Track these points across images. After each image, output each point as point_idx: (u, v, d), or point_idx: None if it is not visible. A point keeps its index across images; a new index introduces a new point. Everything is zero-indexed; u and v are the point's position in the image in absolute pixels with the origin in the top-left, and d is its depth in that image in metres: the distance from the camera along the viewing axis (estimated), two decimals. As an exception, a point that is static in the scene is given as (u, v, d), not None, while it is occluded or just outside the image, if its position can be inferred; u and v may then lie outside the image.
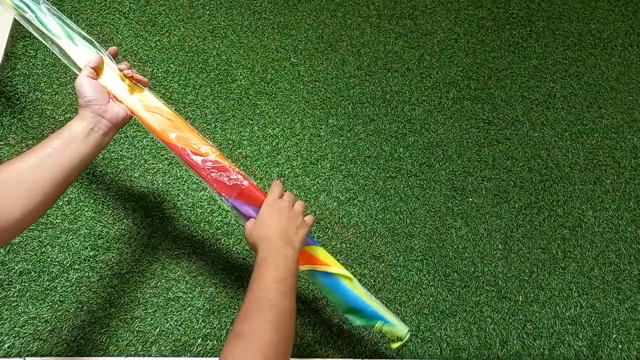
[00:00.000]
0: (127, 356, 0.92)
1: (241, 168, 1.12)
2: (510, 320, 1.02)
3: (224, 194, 0.78)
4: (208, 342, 0.94)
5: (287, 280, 0.62)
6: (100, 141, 0.71)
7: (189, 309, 0.96)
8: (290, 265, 0.65)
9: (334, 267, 0.81)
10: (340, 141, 1.19)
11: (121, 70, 0.79)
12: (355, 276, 1.02)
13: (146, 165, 1.10)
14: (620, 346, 1.01)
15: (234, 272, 1.01)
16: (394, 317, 0.82)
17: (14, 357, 0.89)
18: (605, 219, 1.15)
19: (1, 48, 1.18)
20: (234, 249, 1.03)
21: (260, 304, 0.58)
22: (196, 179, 1.09)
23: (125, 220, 1.03)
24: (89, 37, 0.81)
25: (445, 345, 0.98)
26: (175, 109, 1.17)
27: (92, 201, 1.04)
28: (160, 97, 1.18)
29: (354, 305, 0.81)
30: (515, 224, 1.12)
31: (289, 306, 0.60)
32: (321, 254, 0.81)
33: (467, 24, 1.40)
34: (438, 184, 1.15)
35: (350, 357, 0.96)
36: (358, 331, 0.97)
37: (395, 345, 0.83)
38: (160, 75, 1.21)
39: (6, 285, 0.94)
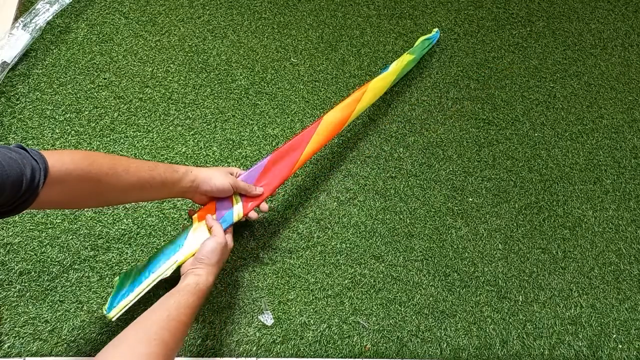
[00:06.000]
0: (127, 356, 0.92)
1: (241, 168, 1.12)
2: (510, 320, 1.02)
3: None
4: (208, 342, 0.93)
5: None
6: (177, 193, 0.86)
7: (189, 309, 0.96)
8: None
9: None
10: (340, 141, 1.18)
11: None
12: (355, 276, 1.03)
13: (146, 165, 1.10)
14: (620, 346, 1.01)
15: (233, 272, 1.01)
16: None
17: (14, 357, 0.89)
18: (605, 219, 1.15)
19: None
20: (233, 249, 1.03)
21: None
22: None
23: (125, 220, 1.03)
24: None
25: (445, 345, 0.98)
26: (175, 109, 1.18)
27: (92, 201, 1.04)
28: (160, 97, 1.19)
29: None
30: (515, 224, 1.12)
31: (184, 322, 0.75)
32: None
33: (467, 24, 1.40)
34: (438, 184, 1.15)
35: (350, 357, 0.96)
36: (358, 331, 0.97)
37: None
38: (160, 75, 1.21)
39: (6, 285, 0.94)
